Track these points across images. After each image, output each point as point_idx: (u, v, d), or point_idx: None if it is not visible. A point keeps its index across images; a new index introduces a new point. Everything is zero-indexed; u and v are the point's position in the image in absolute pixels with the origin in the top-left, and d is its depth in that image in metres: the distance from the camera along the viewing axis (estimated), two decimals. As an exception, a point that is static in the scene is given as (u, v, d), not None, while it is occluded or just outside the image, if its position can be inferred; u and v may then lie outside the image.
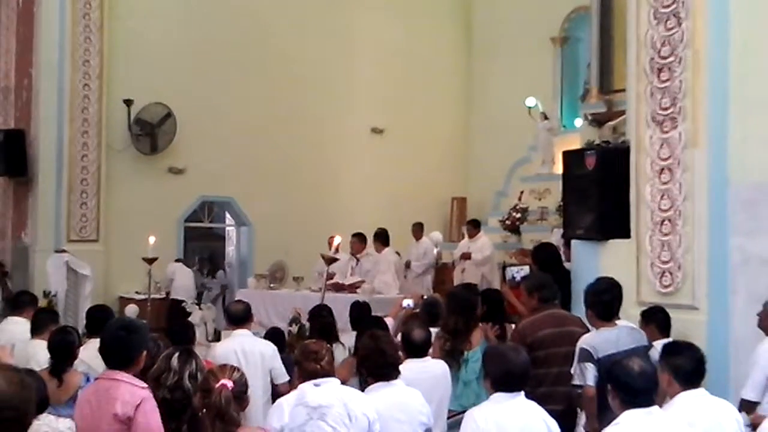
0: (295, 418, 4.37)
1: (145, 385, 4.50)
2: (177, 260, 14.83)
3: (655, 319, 6.60)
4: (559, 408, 5.65)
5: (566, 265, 8.84)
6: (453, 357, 6.72)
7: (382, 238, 12.85)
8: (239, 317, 7.09)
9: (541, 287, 6.68)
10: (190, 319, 11.59)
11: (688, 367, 4.78)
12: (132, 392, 4.38)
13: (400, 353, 6.23)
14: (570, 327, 6.49)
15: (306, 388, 4.46)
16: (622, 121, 10.96)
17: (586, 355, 5.91)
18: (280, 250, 14.82)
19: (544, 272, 7.65)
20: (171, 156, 15.26)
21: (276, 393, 6.75)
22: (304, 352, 4.98)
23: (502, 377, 4.70)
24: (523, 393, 4.73)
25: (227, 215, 17.03)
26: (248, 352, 6.85)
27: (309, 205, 16.41)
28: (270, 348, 7.01)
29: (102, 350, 4.61)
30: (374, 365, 5.21)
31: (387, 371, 5.20)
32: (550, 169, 16.21)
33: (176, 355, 4.75)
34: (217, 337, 12.57)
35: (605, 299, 6.15)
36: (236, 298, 8.30)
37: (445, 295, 8.16)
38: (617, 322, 6.16)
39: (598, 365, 5.75)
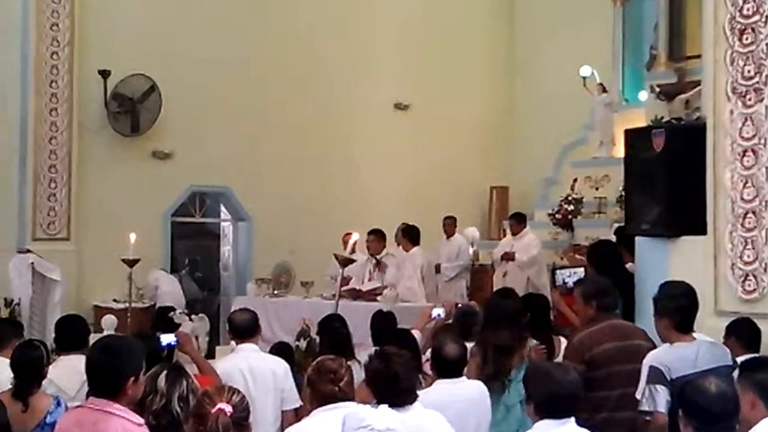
0: None
1: (141, 420, 4.49)
2: (160, 269, 14.90)
3: (738, 331, 6.57)
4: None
5: (628, 266, 8.82)
6: (498, 378, 6.73)
7: (410, 235, 12.86)
8: (245, 329, 7.06)
9: (600, 294, 6.66)
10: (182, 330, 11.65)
11: None
12: (126, 429, 4.36)
13: (429, 372, 6.25)
14: (635, 340, 6.47)
15: (362, 410, 4.41)
16: (697, 93, 10.92)
17: (658, 376, 5.88)
18: (285, 249, 14.85)
19: (602, 275, 7.62)
20: (155, 138, 15.31)
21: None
22: (319, 370, 4.98)
23: (548, 401, 4.67)
24: (573, 420, 4.71)
25: (222, 209, 17.08)
26: (256, 371, 6.82)
27: (320, 196, 16.44)
28: (282, 366, 7.01)
29: (87, 374, 4.64)
30: (384, 391, 5.21)
31: (400, 397, 5.20)
32: (610, 151, 16.16)
33: (164, 373, 4.77)
34: (210, 353, 12.63)
35: (682, 305, 6.10)
36: (238, 307, 8.30)
37: (482, 303, 8.16)
38: (694, 335, 6.13)
39: (672, 388, 5.71)
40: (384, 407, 4.61)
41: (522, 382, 5.17)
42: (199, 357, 7.16)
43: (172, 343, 6.65)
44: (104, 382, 4.54)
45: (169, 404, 4.63)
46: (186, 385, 4.74)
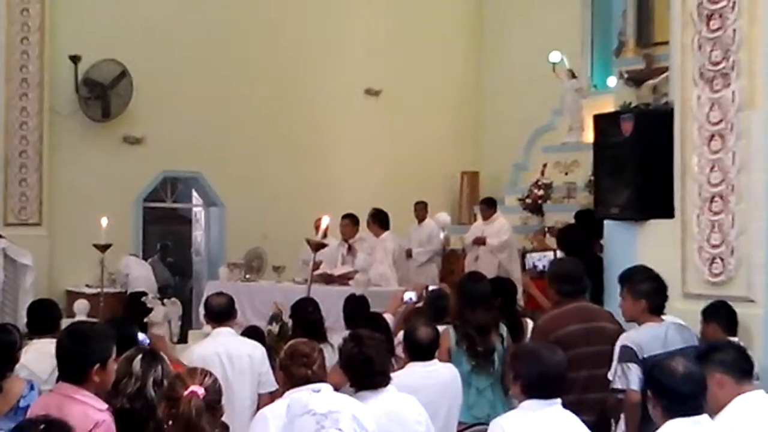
0: (301, 431, 4.32)
1: (104, 406, 4.49)
2: (131, 255, 14.83)
3: (718, 315, 6.63)
4: (590, 419, 5.67)
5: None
6: (484, 358, 6.79)
7: (380, 219, 12.83)
8: (222, 313, 7.06)
9: (566, 278, 6.70)
10: (151, 316, 11.63)
11: (738, 360, 4.80)
12: (85, 414, 4.35)
13: (402, 355, 6.27)
14: (600, 322, 6.53)
15: (303, 395, 4.46)
16: (665, 79, 10.94)
17: (629, 354, 5.95)
18: (257, 234, 14.83)
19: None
20: (126, 123, 15.23)
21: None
22: (292, 354, 4.98)
23: (537, 381, 4.69)
24: (559, 401, 4.73)
25: (194, 194, 17.04)
26: (234, 355, 6.84)
27: (292, 181, 16.41)
28: (259, 350, 7.02)
29: (56, 359, 4.63)
30: (358, 374, 5.23)
31: (374, 380, 5.22)
32: (579, 137, 16.19)
33: (139, 357, 4.76)
34: (183, 338, 12.61)
35: (659, 288, 6.18)
36: (210, 292, 8.28)
37: (453, 286, 8.19)
38: (663, 317, 6.20)
39: (643, 366, 5.78)
40: (327, 390, 4.63)
41: (503, 360, 5.21)
42: (172, 358, 7.16)
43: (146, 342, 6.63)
44: (70, 367, 4.55)
45: (143, 388, 4.62)
46: (161, 369, 4.73)
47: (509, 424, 4.67)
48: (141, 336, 6.38)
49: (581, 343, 6.34)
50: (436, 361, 6.10)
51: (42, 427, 3.61)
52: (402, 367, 6.05)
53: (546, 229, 14.35)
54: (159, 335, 7.47)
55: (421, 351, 5.99)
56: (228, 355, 6.80)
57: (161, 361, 4.79)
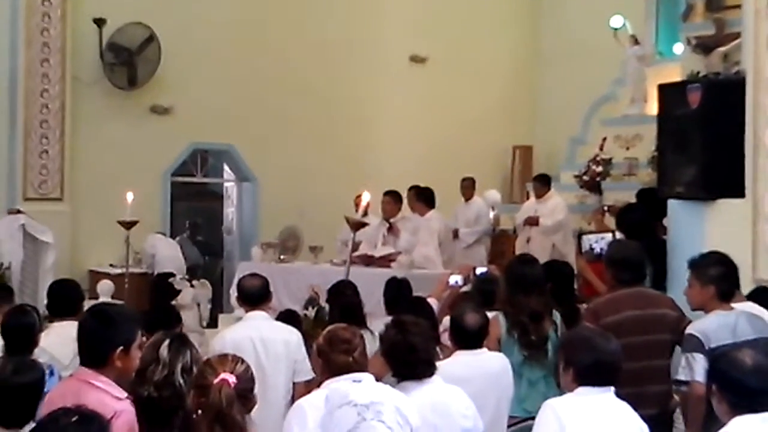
0: (341, 423, 4.32)
1: (124, 394, 4.53)
2: (157, 232, 14.93)
3: (761, 300, 6.59)
4: (650, 413, 5.65)
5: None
6: (537, 347, 6.79)
7: (425, 197, 12.84)
8: (256, 295, 7.10)
9: (623, 263, 6.67)
10: (179, 299, 11.72)
11: None
12: (103, 402, 4.36)
13: (447, 343, 6.28)
14: (659, 309, 6.50)
15: (343, 385, 4.48)
16: (736, 46, 10.82)
17: (695, 344, 5.93)
18: (293, 212, 14.87)
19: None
20: (154, 91, 15.32)
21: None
22: (332, 340, 5.00)
23: (590, 368, 4.74)
24: (612, 390, 4.77)
25: (225, 168, 17.11)
26: (268, 341, 6.88)
27: (330, 155, 16.44)
28: (295, 336, 7.07)
29: (78, 342, 4.68)
30: (401, 363, 5.25)
31: (418, 370, 5.24)
32: (642, 109, 16.08)
33: (166, 342, 4.79)
34: (213, 322, 12.70)
35: (729, 272, 6.16)
36: (243, 273, 8.33)
37: (502, 270, 8.18)
38: (734, 305, 6.17)
39: (710, 357, 5.75)
40: (368, 380, 4.65)
41: (557, 350, 5.22)
42: None
43: None
44: (90, 350, 4.60)
45: (171, 375, 4.64)
46: (190, 355, 4.75)
47: (561, 406, 4.73)
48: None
49: (636, 331, 6.32)
50: (484, 349, 6.11)
51: (75, 419, 3.59)
52: (448, 356, 6.07)
53: (604, 208, 14.26)
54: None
55: (469, 338, 6.00)
56: (262, 340, 6.84)
57: (190, 347, 4.82)
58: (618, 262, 6.71)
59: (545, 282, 7.17)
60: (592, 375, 4.74)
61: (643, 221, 8.75)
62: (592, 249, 9.30)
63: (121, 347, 4.59)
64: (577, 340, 4.99)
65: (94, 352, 4.59)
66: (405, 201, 12.72)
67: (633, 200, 11.13)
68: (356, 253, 11.07)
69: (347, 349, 4.93)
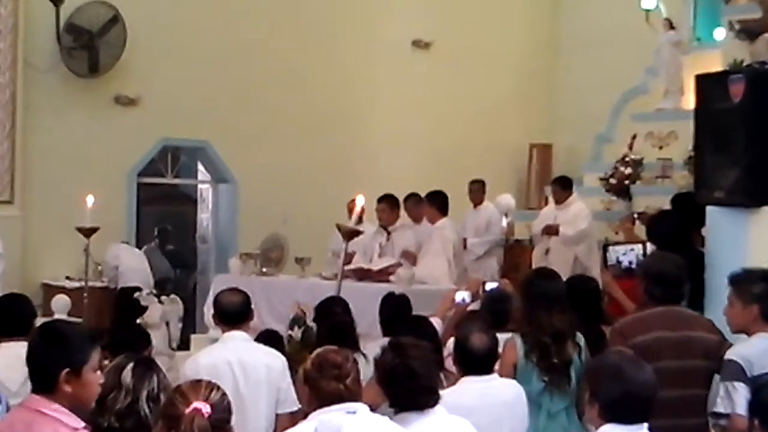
0: None
1: (80, 424, 4.49)
2: (122, 242, 14.92)
3: None
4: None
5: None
6: (559, 372, 6.78)
7: (439, 202, 12.82)
8: (235, 313, 7.08)
9: (659, 279, 6.66)
10: (145, 317, 11.69)
11: None
12: None
13: (453, 369, 6.28)
14: (694, 331, 6.48)
15: (334, 416, 4.47)
16: (786, 31, 10.86)
17: (737, 371, 5.93)
18: (277, 218, 14.90)
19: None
20: (118, 80, 15.32)
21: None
22: (321, 365, 4.98)
23: (619, 402, 4.68)
24: (646, 426, 4.74)
25: (200, 167, 17.12)
26: (248, 366, 6.87)
27: (320, 153, 16.47)
28: (279, 360, 7.06)
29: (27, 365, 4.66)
30: (400, 391, 5.24)
31: (419, 399, 5.24)
32: (677, 102, 16.12)
33: (129, 366, 4.79)
34: (185, 344, 12.69)
35: None
36: (220, 288, 8.31)
37: (518, 285, 8.18)
38: None
39: (753, 387, 5.75)
40: (363, 411, 4.65)
41: (581, 377, 5.21)
42: None
43: None
44: (38, 374, 4.56)
45: (135, 403, 4.65)
46: (157, 380, 4.76)
47: None
48: None
49: (667, 355, 6.30)
50: (494, 375, 6.12)
51: None
52: (453, 384, 6.07)
53: (634, 216, 14.28)
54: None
55: (476, 363, 6.00)
56: (241, 365, 6.83)
57: (157, 371, 4.83)
58: (653, 276, 6.68)
59: (567, 299, 7.17)
60: (621, 410, 4.68)
61: (677, 231, 8.75)
62: (619, 262, 9.28)
63: (68, 369, 4.49)
64: (604, 367, 4.94)
65: (42, 376, 4.54)
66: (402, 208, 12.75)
67: (666, 207, 11.14)
68: (349, 266, 11.07)
69: (338, 375, 4.92)
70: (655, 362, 5.97)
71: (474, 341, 6.02)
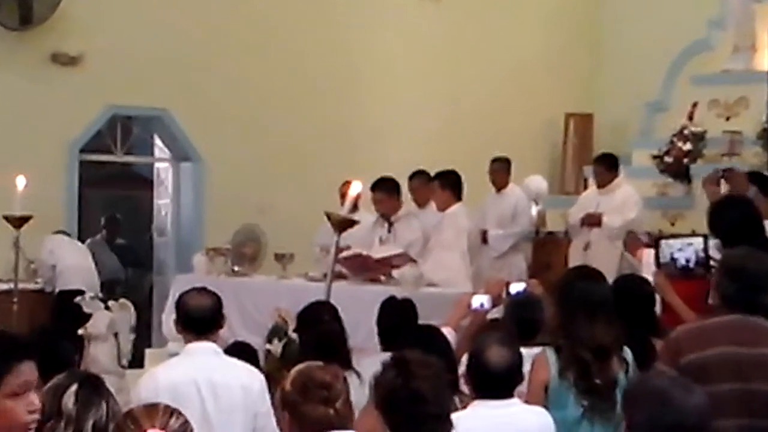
0: None
1: None
2: (58, 232, 14.92)
3: None
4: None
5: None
6: (602, 396, 6.80)
7: (453, 185, 12.81)
8: (204, 319, 7.08)
9: (740, 276, 6.56)
10: (89, 326, 11.73)
11: None
12: None
13: (466, 390, 6.32)
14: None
15: None
16: None
17: None
18: (252, 205, 14.95)
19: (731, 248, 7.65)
20: (56, 33, 15.34)
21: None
22: (304, 385, 5.02)
23: None
24: None
25: (157, 142, 17.15)
26: (220, 386, 6.88)
27: (306, 126, 16.51)
28: (257, 379, 7.07)
29: None
30: (403, 418, 5.25)
31: (426, 427, 5.26)
32: (749, 62, 16.13)
33: (72, 388, 4.81)
34: (138, 359, 12.72)
35: None
36: (184, 288, 8.27)
37: (550, 288, 8.21)
38: None
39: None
40: None
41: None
42: None
43: None
44: None
45: (79, 433, 4.69)
46: (105, 406, 4.79)
47: None
48: None
49: (730, 376, 6.27)
50: (515, 400, 6.13)
51: None
52: (467, 407, 6.10)
53: (720, 174, 14.25)
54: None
55: (492, 383, 6.02)
56: (211, 385, 6.85)
57: (105, 395, 4.85)
58: (731, 270, 6.58)
59: (614, 305, 7.18)
60: None
61: (747, 220, 8.77)
62: (674, 260, 9.26)
63: None
64: (645, 392, 4.94)
65: None
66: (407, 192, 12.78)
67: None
68: (344, 254, 11.04)
69: (326, 398, 4.96)
70: (715, 384, 6.01)
71: (490, 356, 6.02)
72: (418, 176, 13.06)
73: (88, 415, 4.72)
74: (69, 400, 4.73)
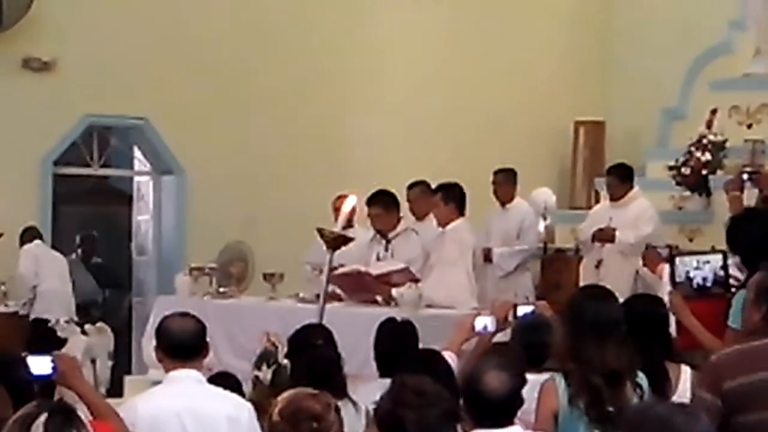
0: None
1: None
2: (30, 236, 14.94)
3: None
4: None
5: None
6: (615, 424, 6.80)
7: (456, 198, 12.82)
8: (187, 345, 7.03)
9: None
10: (63, 352, 11.75)
11: None
12: None
13: (466, 417, 6.33)
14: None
15: None
16: None
17: None
18: (239, 221, 14.95)
19: (750, 267, 7.67)
20: (28, 37, 15.39)
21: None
22: (294, 415, 5.04)
23: None
24: None
25: (137, 153, 17.17)
26: (204, 417, 6.87)
27: (296, 136, 16.52)
28: (246, 410, 7.04)
29: None
30: None
31: None
32: (772, 65, 16.19)
33: (42, 419, 4.83)
34: (116, 388, 12.73)
35: None
36: (165, 312, 8.27)
37: (560, 309, 8.22)
38: None
39: None
40: None
41: None
42: (91, 393, 7.16)
43: (47, 372, 6.59)
44: None
45: (48, 469, 4.70)
46: (76, 438, 4.81)
47: None
48: (39, 363, 6.32)
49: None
50: (517, 428, 6.13)
51: None
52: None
53: (744, 177, 14.27)
54: (69, 357, 7.37)
55: (489, 410, 6.01)
56: (194, 416, 6.83)
57: (77, 425, 4.87)
58: None
59: (626, 327, 7.19)
60: None
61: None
62: (690, 279, 9.26)
63: None
64: (643, 420, 4.92)
65: None
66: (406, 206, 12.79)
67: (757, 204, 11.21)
68: (339, 272, 11.05)
69: (317, 430, 4.98)
70: (759, 411, 6.04)
71: (488, 381, 6.01)
72: (418, 186, 13.05)
73: (58, 444, 4.73)
74: (37, 430, 4.75)
